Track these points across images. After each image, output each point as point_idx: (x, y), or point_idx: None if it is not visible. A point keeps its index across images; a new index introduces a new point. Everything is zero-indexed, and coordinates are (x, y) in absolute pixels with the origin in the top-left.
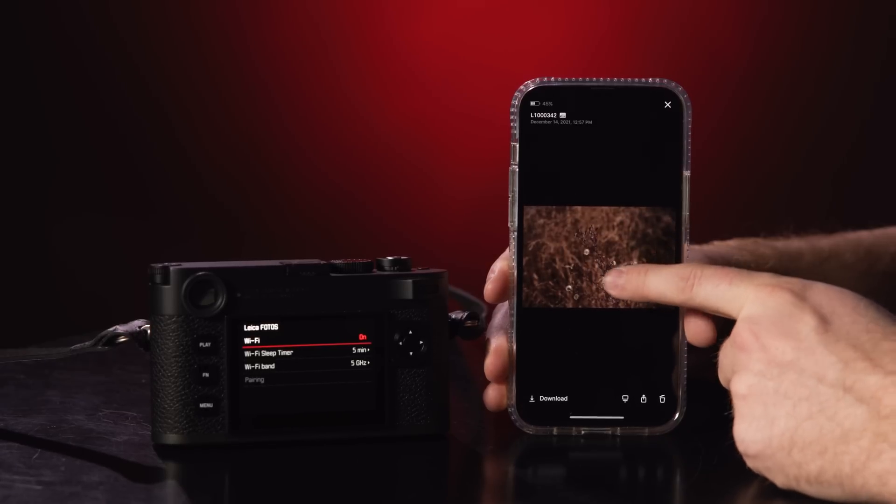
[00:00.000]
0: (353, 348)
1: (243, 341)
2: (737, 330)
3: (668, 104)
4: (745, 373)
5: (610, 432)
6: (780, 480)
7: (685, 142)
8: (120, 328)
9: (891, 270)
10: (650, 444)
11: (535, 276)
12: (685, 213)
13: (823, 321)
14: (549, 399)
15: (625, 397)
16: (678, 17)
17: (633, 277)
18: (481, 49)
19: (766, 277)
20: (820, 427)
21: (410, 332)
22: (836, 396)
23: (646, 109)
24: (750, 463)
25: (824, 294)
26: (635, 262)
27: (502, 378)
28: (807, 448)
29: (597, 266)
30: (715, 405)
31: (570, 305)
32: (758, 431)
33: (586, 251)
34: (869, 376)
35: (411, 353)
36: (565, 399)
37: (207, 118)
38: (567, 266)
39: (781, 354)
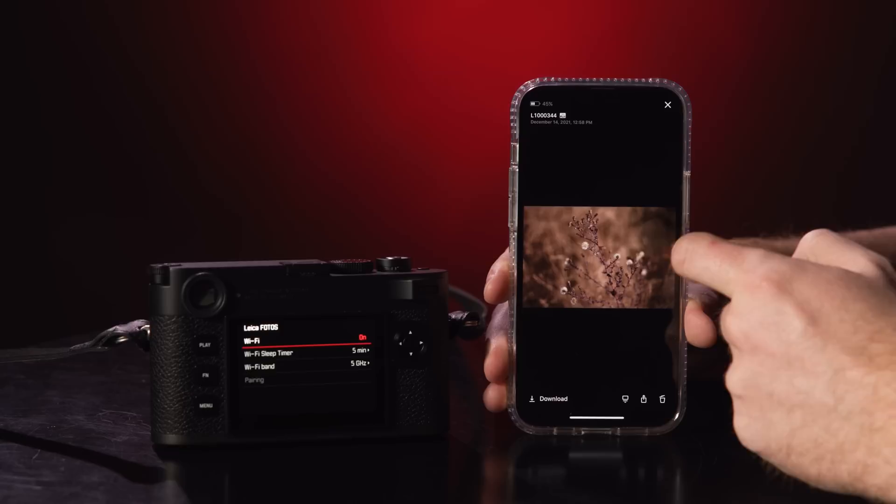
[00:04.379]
0: (353, 348)
1: (243, 341)
2: (728, 323)
3: (668, 104)
4: (739, 369)
5: (610, 432)
6: (785, 473)
7: (685, 142)
8: (120, 328)
9: None
10: (650, 444)
11: (535, 275)
12: (685, 213)
13: (812, 322)
14: (549, 399)
15: (625, 397)
16: (678, 17)
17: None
18: (481, 49)
19: (754, 262)
20: (815, 437)
21: (410, 333)
22: (827, 408)
23: (646, 109)
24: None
25: (812, 286)
26: (636, 261)
27: (502, 378)
28: (804, 454)
29: (597, 265)
30: (715, 405)
31: (569, 305)
32: (756, 433)
33: (585, 248)
34: (860, 388)
35: (411, 354)
36: (565, 399)
37: (207, 118)
38: (566, 265)
39: (772, 358)
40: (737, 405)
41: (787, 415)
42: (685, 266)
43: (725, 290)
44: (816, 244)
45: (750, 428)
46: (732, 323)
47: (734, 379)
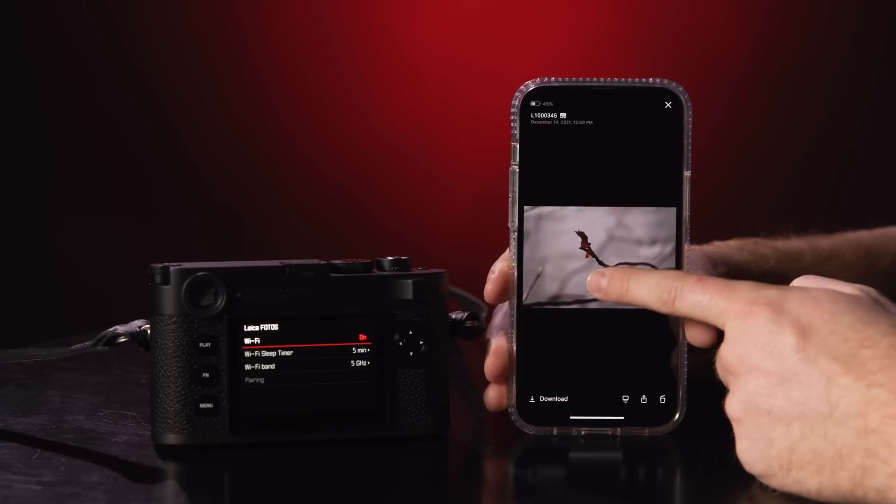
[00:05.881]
0: (353, 348)
1: (243, 341)
2: (722, 352)
3: (668, 104)
4: (736, 393)
5: (610, 432)
6: (787, 493)
7: (685, 142)
8: (120, 328)
9: (891, 270)
10: (650, 444)
11: (537, 276)
12: (685, 213)
13: (803, 336)
14: (550, 399)
15: (625, 397)
16: (678, 17)
17: (616, 283)
18: (481, 49)
19: (744, 291)
20: (814, 447)
21: (410, 333)
22: (823, 416)
23: (646, 109)
24: (758, 479)
25: (801, 303)
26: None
27: (502, 378)
28: (805, 467)
29: (596, 265)
30: (715, 405)
31: (570, 306)
32: (759, 453)
33: (585, 251)
34: (852, 393)
35: (411, 354)
36: (565, 399)
37: (207, 118)
38: (568, 265)
39: (767, 377)
40: (737, 430)
41: (786, 429)
42: (676, 304)
43: (718, 321)
44: (803, 284)
45: (752, 450)
46: (727, 350)
47: (733, 403)
